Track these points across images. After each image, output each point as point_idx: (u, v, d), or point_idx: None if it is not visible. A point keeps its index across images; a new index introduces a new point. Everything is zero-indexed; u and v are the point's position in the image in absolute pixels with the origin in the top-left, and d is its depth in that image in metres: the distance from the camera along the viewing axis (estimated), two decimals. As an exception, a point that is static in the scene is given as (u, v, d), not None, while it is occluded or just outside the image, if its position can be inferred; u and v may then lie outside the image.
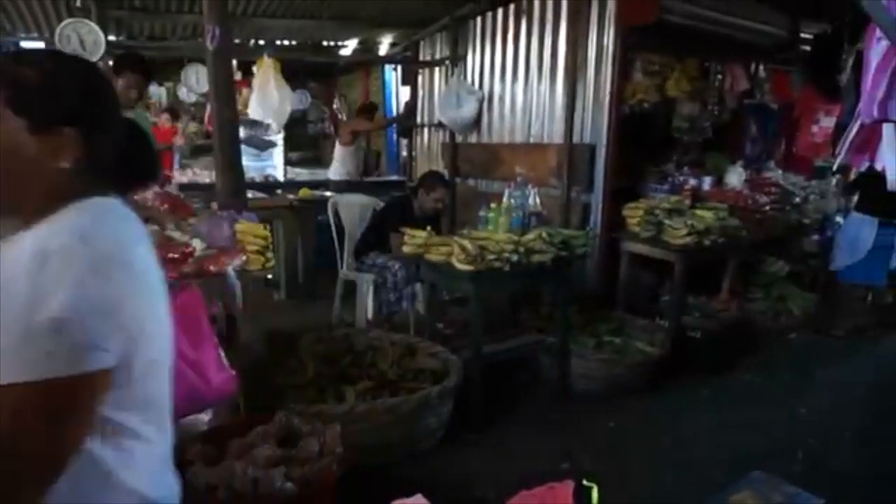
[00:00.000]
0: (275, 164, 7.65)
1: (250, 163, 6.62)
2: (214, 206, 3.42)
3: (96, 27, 3.75)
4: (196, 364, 1.41)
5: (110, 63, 4.29)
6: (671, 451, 2.93)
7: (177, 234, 2.55)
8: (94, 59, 3.68)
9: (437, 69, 6.32)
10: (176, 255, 2.22)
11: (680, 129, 5.30)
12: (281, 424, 2.38)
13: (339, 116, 8.88)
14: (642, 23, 4.23)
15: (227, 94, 3.20)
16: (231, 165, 3.21)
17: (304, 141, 8.86)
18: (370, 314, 4.07)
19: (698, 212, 4.05)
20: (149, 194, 3.07)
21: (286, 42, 6.93)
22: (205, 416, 2.65)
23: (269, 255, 2.50)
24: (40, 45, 5.87)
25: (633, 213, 4.05)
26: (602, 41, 4.37)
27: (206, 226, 2.57)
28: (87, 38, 3.59)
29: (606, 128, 4.36)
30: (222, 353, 1.40)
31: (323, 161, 8.94)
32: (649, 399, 3.44)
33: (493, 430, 3.13)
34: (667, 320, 3.91)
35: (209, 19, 3.11)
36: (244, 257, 2.35)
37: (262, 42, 6.60)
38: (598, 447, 2.96)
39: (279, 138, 7.53)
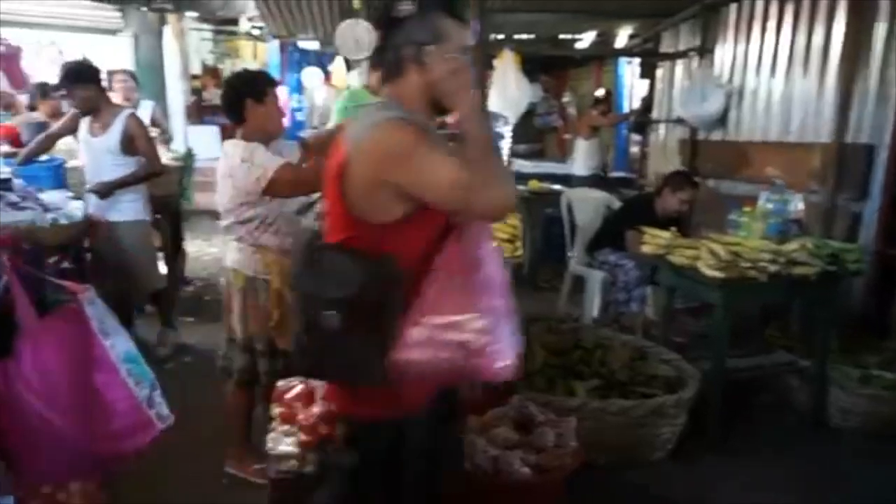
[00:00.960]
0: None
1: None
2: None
3: (370, 26, 4.16)
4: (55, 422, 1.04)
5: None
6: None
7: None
8: (365, 55, 4.09)
9: (678, 62, 5.97)
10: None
11: None
12: (518, 409, 2.45)
13: (568, 110, 8.83)
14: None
15: (480, 87, 3.34)
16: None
17: (531, 133, 8.97)
18: (596, 312, 4.00)
19: None
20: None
21: (523, 36, 7.06)
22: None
23: (518, 243, 2.56)
24: (315, 44, 6.75)
25: (922, 229, 3.44)
26: (894, 26, 3.76)
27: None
28: (362, 37, 4.00)
29: (893, 127, 3.75)
30: (136, 394, 1.11)
31: (547, 154, 8.98)
32: (932, 450, 2.90)
33: (730, 450, 2.89)
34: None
35: (471, 16, 3.27)
36: (495, 244, 2.44)
37: (500, 36, 6.80)
38: (860, 495, 2.57)
39: (507, 130, 7.71)
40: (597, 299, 3.99)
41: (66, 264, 3.26)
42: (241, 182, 2.31)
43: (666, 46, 6.22)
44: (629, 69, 8.18)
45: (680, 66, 5.97)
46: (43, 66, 7.25)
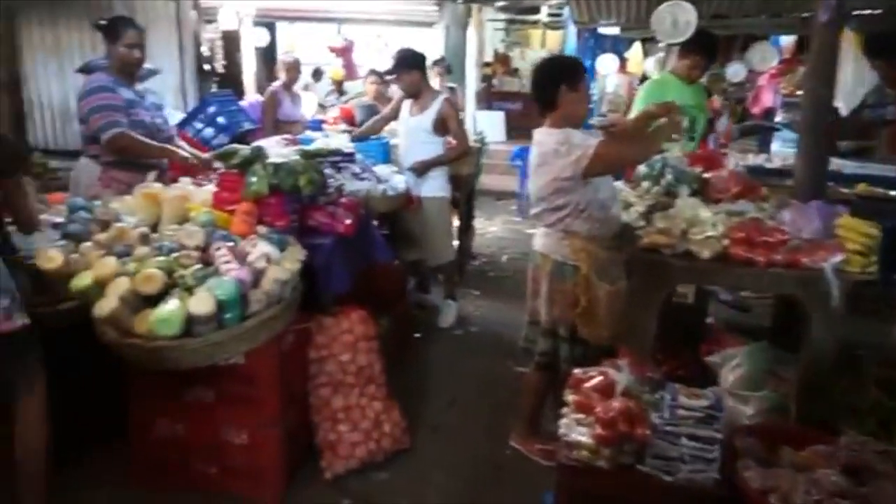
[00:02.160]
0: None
1: (782, 148, 6.06)
2: (764, 190, 3.18)
3: (692, 9, 3.87)
4: None
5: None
6: None
7: (761, 215, 2.46)
8: (683, 38, 3.81)
9: None
10: (770, 240, 2.12)
11: None
12: (848, 452, 2.08)
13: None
14: None
15: (827, 71, 2.88)
16: (817, 149, 2.91)
17: (856, 127, 7.60)
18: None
19: None
20: (724, 172, 3.06)
21: (865, 11, 5.96)
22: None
23: (872, 258, 2.15)
24: (614, 30, 6.57)
25: None
26: None
27: (791, 213, 2.39)
28: (681, 19, 3.74)
29: None
30: None
31: (876, 153, 7.57)
32: None
33: None
34: None
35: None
36: (843, 256, 2.08)
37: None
38: None
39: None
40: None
41: (384, 230, 3.71)
42: (559, 167, 2.31)
43: None
44: None
45: None
46: (371, 56, 8.35)
